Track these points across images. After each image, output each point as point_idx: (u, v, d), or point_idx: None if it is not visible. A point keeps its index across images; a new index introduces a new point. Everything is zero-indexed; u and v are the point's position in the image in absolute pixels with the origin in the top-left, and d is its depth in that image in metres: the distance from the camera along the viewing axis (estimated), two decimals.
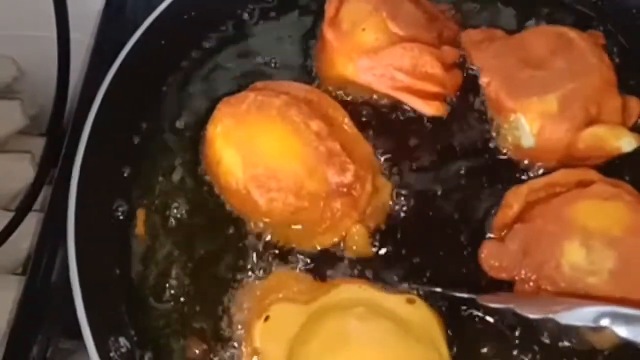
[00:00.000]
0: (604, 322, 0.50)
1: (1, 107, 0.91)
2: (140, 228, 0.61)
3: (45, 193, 0.78)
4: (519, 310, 0.53)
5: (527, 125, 0.60)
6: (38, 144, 0.91)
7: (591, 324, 0.50)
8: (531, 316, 0.52)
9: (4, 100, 0.92)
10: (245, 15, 0.71)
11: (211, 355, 0.55)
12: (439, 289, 0.55)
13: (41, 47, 0.88)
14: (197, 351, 0.55)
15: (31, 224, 0.78)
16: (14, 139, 0.92)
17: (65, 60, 0.76)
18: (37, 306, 0.63)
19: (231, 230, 0.60)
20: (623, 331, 0.50)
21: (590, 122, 0.59)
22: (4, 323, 0.69)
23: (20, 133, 0.92)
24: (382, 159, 0.63)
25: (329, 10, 0.64)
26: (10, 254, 0.79)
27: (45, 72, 0.84)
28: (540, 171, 0.61)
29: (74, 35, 0.77)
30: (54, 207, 0.67)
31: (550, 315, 0.52)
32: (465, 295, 0.55)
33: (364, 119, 0.64)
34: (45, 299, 0.63)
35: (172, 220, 0.61)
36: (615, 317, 0.50)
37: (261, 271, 0.58)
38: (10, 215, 0.74)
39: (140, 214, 0.61)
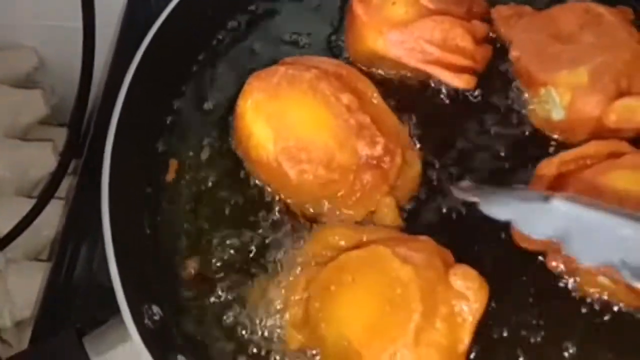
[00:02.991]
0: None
1: (23, 97, 0.92)
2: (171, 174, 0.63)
3: (66, 183, 0.80)
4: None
5: (557, 98, 0.60)
6: (59, 134, 0.92)
7: None
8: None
9: (26, 89, 0.93)
10: None
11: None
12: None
13: (61, 37, 0.90)
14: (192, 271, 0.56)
15: (53, 211, 0.79)
16: (35, 129, 0.93)
17: (90, 50, 0.77)
18: (62, 296, 0.64)
19: (261, 205, 0.61)
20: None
21: (621, 94, 0.59)
22: (29, 309, 0.70)
23: (40, 123, 0.94)
24: (412, 133, 0.63)
25: None
26: (32, 241, 0.81)
27: (66, 62, 0.86)
28: (572, 144, 0.61)
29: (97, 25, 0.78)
30: (79, 197, 0.68)
31: None
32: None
33: (393, 94, 0.64)
34: (70, 289, 0.64)
35: (202, 195, 0.62)
36: None
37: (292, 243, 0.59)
38: (33, 202, 0.75)
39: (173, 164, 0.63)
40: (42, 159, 0.88)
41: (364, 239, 0.56)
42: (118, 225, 0.56)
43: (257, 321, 0.56)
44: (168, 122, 0.66)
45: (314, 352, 0.54)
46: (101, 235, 0.55)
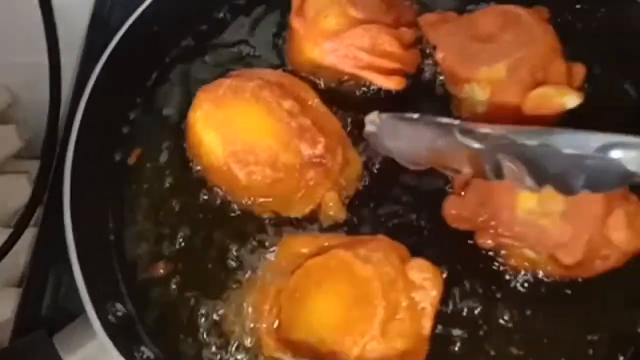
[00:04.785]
0: (615, 154, 0.51)
1: None
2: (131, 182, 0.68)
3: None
4: (512, 137, 0.55)
5: (479, 92, 0.66)
6: (34, 165, 0.96)
7: (598, 154, 0.51)
8: (528, 142, 0.54)
9: (0, 125, 0.97)
10: (220, 14, 0.77)
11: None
12: None
13: (32, 73, 0.92)
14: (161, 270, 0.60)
15: (29, 239, 0.82)
16: (10, 162, 0.96)
17: (57, 84, 0.80)
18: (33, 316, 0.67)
19: (215, 206, 0.66)
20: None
21: (537, 85, 0.64)
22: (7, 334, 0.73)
23: (15, 156, 0.97)
24: (352, 133, 0.68)
25: (295, 2, 0.70)
26: (9, 268, 0.83)
27: (38, 96, 0.89)
28: None
29: (63, 59, 0.81)
30: (46, 222, 0.72)
31: (547, 141, 0.53)
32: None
33: (332, 98, 0.69)
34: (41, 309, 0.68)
35: (161, 202, 0.67)
36: (626, 147, 0.50)
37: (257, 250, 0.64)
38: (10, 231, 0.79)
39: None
40: (19, 190, 0.91)
41: (326, 245, 0.61)
42: (81, 231, 0.60)
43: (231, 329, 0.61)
44: (125, 132, 0.71)
45: (289, 355, 0.58)
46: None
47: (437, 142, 0.59)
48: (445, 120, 0.60)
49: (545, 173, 0.54)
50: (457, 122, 0.59)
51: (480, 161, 0.57)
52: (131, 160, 0.70)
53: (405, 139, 0.61)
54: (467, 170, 0.59)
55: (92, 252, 0.60)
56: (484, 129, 0.58)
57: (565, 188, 0.54)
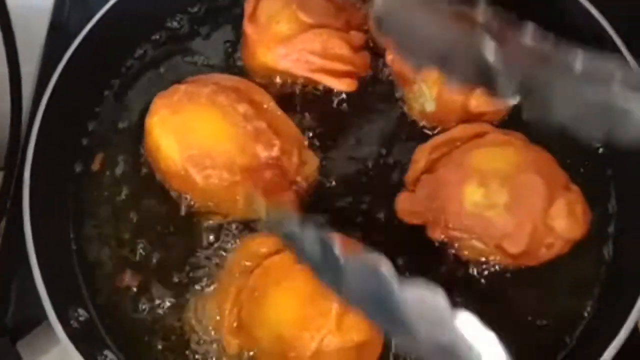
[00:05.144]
0: None
1: None
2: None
3: None
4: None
5: (427, 92, 0.68)
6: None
7: None
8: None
9: None
10: (175, 24, 0.78)
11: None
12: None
13: None
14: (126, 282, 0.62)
15: None
16: None
17: (18, 95, 0.80)
18: None
19: (175, 210, 0.67)
20: None
21: None
22: None
23: None
24: (307, 134, 0.70)
25: (247, 8, 0.72)
26: None
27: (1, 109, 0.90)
28: (443, 130, 0.69)
29: (24, 68, 0.81)
30: (8, 232, 0.72)
31: None
32: None
33: (287, 101, 0.71)
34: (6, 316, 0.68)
35: (120, 209, 0.68)
36: None
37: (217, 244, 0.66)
38: None
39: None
40: None
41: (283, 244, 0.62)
42: (41, 239, 0.61)
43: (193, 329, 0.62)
44: (84, 143, 0.72)
45: (251, 353, 0.60)
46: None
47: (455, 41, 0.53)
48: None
49: None
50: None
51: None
52: (95, 166, 0.70)
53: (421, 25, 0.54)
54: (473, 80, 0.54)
55: (53, 259, 0.61)
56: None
57: None
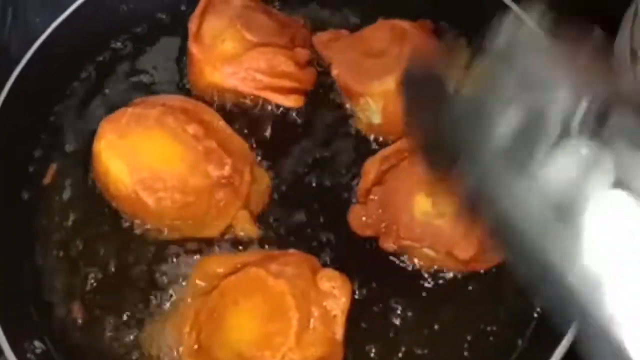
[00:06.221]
0: None
1: None
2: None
3: None
4: None
5: (373, 105, 0.70)
6: None
7: None
8: None
9: None
10: (119, 44, 0.78)
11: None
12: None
13: None
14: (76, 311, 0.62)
15: None
16: None
17: None
18: None
19: (129, 234, 0.67)
20: None
21: None
22: None
23: None
24: (257, 151, 0.71)
25: (192, 27, 0.72)
26: None
27: None
28: (391, 142, 0.70)
29: None
30: None
31: None
32: None
33: (236, 119, 0.72)
34: None
35: (69, 233, 0.68)
36: None
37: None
38: None
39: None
40: None
41: (240, 263, 0.63)
42: None
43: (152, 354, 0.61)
44: (31, 170, 0.70)
45: None
46: None
47: None
48: None
49: None
50: None
51: None
52: (46, 180, 0.70)
53: None
54: None
55: (6, 291, 0.60)
56: None
57: None
